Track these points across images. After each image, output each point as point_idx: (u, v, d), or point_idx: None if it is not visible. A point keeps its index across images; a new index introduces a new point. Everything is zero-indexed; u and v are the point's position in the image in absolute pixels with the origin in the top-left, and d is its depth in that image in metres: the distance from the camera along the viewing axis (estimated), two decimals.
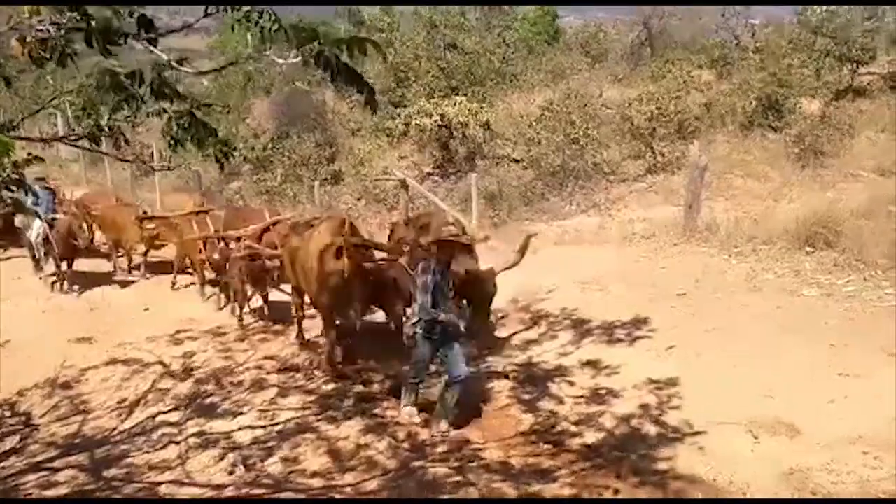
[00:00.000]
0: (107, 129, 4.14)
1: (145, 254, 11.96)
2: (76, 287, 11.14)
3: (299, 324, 8.60)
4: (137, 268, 12.13)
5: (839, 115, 14.91)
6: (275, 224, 9.19)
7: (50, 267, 11.50)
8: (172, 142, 3.92)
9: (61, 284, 11.27)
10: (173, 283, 11.27)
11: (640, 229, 11.60)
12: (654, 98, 15.96)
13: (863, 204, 10.79)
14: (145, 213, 11.44)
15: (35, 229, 11.37)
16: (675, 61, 18.87)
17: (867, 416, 5.63)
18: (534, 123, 16.25)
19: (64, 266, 11.19)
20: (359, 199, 16.50)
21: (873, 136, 14.60)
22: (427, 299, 6.03)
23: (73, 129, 4.91)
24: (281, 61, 3.14)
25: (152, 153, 17.00)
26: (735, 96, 16.63)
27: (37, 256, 11.69)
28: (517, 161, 16.65)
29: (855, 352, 6.66)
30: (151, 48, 3.27)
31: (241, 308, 9.50)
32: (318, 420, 6.52)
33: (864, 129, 14.83)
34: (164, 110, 3.89)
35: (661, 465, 5.43)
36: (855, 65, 17.84)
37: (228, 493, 5.39)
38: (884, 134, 14.60)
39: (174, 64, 3.36)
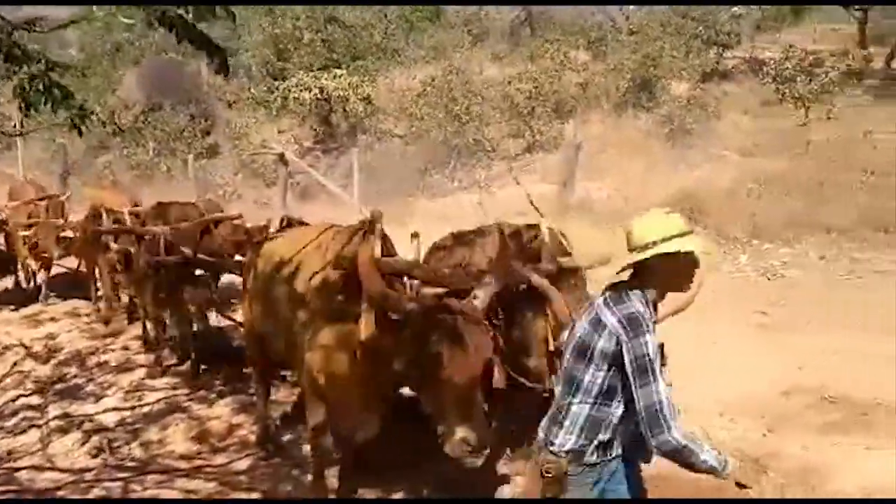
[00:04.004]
0: None
1: (46, 268, 9.42)
2: None
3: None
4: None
5: (705, 98, 15.59)
6: (217, 224, 6.73)
7: None
8: (24, 105, 3.67)
9: None
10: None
11: (517, 206, 11.80)
12: (532, 77, 16.25)
13: (726, 183, 11.37)
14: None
15: None
16: (553, 41, 19.18)
17: (728, 382, 5.95)
18: (416, 99, 16.25)
19: None
20: (236, 174, 16.10)
21: (737, 118, 15.33)
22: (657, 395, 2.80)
23: None
24: (126, 21, 2.99)
25: (14, 124, 16.03)
26: (610, 77, 17.09)
27: None
28: (400, 137, 16.61)
29: (717, 322, 7.02)
30: None
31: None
32: (189, 400, 6.35)
33: (729, 111, 15.53)
34: (15, 72, 3.66)
35: None
36: (721, 48, 18.64)
37: (91, 476, 5.18)
38: (747, 116, 15.35)
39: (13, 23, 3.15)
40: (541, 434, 3.08)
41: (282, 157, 13.64)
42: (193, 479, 5.05)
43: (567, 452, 2.94)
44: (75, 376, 7.10)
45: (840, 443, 5.04)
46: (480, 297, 3.49)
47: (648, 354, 2.79)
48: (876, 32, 17.79)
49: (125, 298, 8.52)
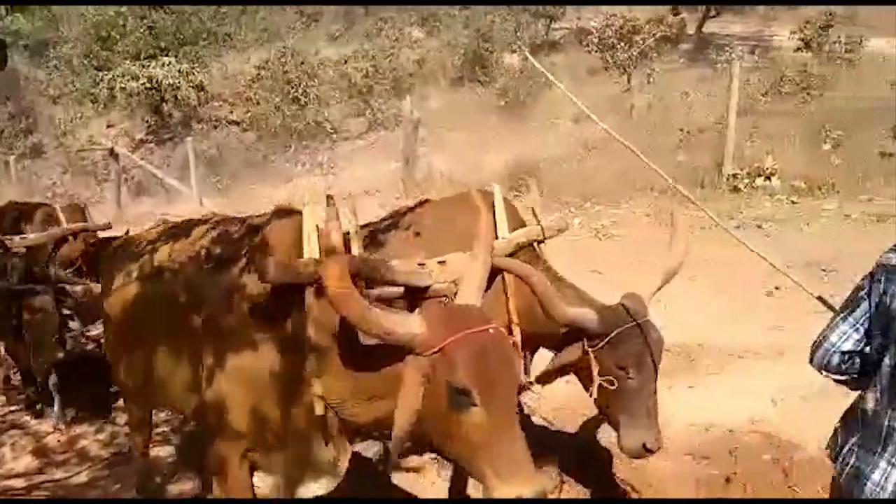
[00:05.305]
0: None
1: None
2: None
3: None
4: None
5: (536, 69, 16.08)
6: (76, 235, 5.47)
7: None
8: None
9: None
10: None
11: (363, 186, 11.86)
12: (369, 56, 16.26)
13: (558, 149, 11.86)
14: None
15: None
16: (387, 19, 19.23)
17: None
18: (250, 83, 15.91)
19: None
20: (64, 173, 15.24)
21: (566, 88, 15.93)
22: None
23: None
24: None
25: None
26: (445, 52, 17.34)
27: None
28: (237, 123, 16.23)
29: None
30: None
31: None
32: (24, 415, 6.02)
33: (560, 80, 16.09)
34: None
35: None
36: (549, 20, 19.27)
37: None
38: (575, 85, 15.98)
39: None
40: (844, 458, 2.17)
41: (112, 152, 13.04)
42: (31, 496, 4.83)
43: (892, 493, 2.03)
44: None
45: (671, 385, 5.43)
46: (474, 287, 2.48)
47: None
48: None
49: None
